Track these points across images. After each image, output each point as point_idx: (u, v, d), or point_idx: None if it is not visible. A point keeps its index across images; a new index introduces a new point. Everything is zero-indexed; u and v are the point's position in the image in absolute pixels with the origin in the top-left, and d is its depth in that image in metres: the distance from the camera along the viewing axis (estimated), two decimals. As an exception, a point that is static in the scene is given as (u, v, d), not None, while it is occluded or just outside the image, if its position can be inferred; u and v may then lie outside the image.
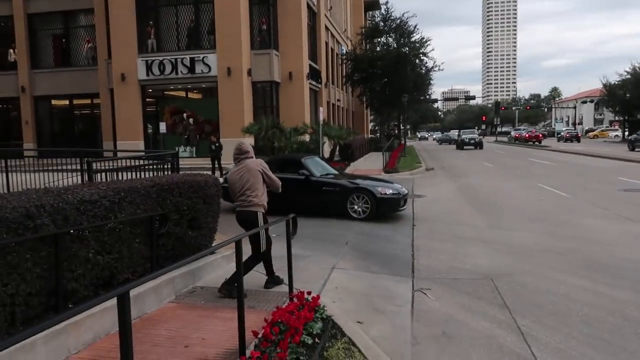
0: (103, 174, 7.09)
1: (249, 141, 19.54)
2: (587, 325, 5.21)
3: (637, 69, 52.19)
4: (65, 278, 4.27)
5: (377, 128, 64.75)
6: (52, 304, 4.18)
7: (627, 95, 52.80)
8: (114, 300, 2.26)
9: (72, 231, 4.34)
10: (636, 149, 34.44)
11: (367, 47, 39.06)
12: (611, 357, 4.57)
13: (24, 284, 3.88)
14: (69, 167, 10.28)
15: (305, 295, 4.86)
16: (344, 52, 36.95)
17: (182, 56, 21.85)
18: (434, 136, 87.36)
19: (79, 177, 8.16)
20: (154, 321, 4.72)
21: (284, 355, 3.68)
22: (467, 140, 44.00)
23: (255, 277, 6.23)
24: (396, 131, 48.21)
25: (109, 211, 4.76)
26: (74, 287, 4.39)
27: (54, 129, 26.84)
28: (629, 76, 53.51)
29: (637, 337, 4.92)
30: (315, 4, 27.25)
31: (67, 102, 26.64)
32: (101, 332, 4.30)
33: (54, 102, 26.60)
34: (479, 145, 43.41)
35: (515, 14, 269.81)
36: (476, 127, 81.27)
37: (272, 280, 5.87)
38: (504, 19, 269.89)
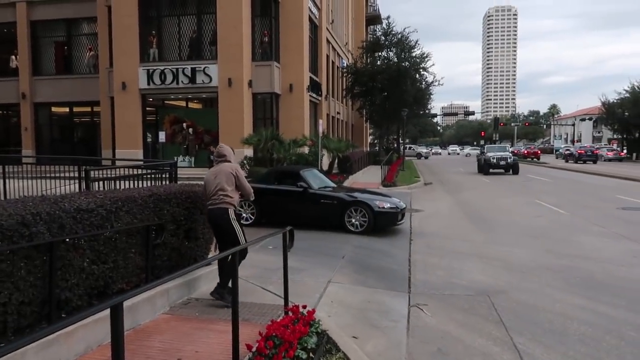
0: (101, 182, 7.10)
1: (248, 152, 19.73)
2: (584, 344, 5.18)
3: (636, 87, 52.65)
4: (59, 287, 4.24)
5: (376, 141, 64.82)
6: (45, 313, 4.14)
7: (626, 113, 53.16)
8: (107, 311, 2.24)
9: (67, 240, 4.32)
10: (569, 161, 44.95)
11: (368, 61, 39.32)
12: (607, 377, 4.54)
13: (17, 292, 3.85)
14: (67, 174, 10.28)
15: (301, 309, 4.82)
16: (345, 65, 37.17)
17: (183, 66, 21.95)
18: (468, 151, 75.19)
19: (77, 185, 8.15)
20: (148, 333, 4.68)
21: (278, 369, 3.65)
22: (496, 161, 30.46)
23: (250, 289, 6.20)
24: (395, 145, 48.20)
25: (106, 220, 4.74)
26: (68, 297, 4.36)
27: (54, 136, 26.89)
28: (627, 95, 53.91)
29: (633, 357, 4.88)
30: (317, 17, 27.46)
31: (67, 109, 26.73)
32: (94, 342, 4.26)
33: (54, 109, 26.69)
34: (512, 168, 30.41)
35: (515, 31, 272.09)
36: (509, 142, 58.97)
37: (219, 293, 5.52)
38: (504, 35, 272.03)
